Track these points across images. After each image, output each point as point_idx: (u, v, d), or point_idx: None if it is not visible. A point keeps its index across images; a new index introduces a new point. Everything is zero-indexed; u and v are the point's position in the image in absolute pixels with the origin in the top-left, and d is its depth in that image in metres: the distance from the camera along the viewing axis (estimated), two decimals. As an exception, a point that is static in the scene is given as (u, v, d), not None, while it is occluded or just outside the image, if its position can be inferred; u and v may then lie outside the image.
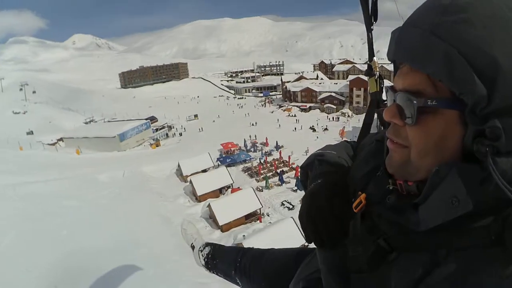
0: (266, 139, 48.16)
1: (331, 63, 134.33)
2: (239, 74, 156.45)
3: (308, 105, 78.28)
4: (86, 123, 73.36)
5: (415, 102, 0.56)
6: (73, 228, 15.64)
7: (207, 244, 2.00)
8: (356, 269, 0.71)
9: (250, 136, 51.53)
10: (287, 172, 35.76)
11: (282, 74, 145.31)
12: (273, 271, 1.45)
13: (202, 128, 61.95)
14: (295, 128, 58.95)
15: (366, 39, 1.45)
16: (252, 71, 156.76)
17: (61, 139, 54.51)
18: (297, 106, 78.91)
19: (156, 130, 62.60)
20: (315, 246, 1.00)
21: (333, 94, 75.83)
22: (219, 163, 38.86)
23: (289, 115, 73.80)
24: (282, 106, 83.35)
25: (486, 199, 0.51)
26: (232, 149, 44.01)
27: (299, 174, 1.06)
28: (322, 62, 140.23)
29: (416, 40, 0.55)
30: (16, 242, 9.84)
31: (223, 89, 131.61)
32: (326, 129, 57.81)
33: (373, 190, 0.75)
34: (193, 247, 2.13)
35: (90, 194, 24.10)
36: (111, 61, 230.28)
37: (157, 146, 52.73)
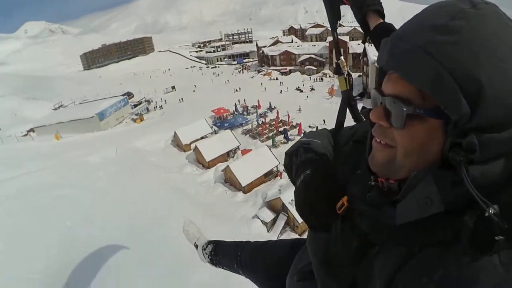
0: (258, 101, 47.25)
1: (300, 27, 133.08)
2: (207, 44, 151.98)
3: (288, 68, 76.76)
4: (56, 109, 68.33)
5: (405, 109, 0.60)
6: (77, 218, 14.12)
7: (210, 242, 2.09)
8: (341, 263, 0.79)
9: (239, 101, 50.35)
10: (289, 130, 35.24)
11: (251, 41, 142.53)
12: (271, 263, 1.50)
13: (182, 99, 59.21)
14: (281, 91, 58.33)
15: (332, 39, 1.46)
16: (220, 40, 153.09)
17: (31, 130, 48.74)
18: (277, 70, 77.24)
19: (135, 106, 59.03)
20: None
21: (313, 56, 74.57)
22: (217, 128, 37.25)
23: (270, 79, 72.21)
24: (261, 71, 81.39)
25: (456, 201, 0.58)
26: (225, 114, 42.45)
27: (284, 159, 1.10)
28: (291, 27, 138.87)
29: (409, 55, 0.59)
30: (12, 247, 8.22)
31: (193, 60, 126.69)
32: (312, 89, 57.29)
33: (354, 188, 0.80)
34: (196, 246, 2.19)
35: (83, 178, 21.72)
36: (68, 44, 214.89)
37: (141, 120, 49.67)
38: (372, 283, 0.71)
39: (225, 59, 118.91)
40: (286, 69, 76.71)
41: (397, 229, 0.66)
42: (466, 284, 0.55)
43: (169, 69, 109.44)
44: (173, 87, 72.55)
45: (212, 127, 37.16)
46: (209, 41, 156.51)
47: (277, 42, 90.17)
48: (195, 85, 71.89)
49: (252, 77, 77.81)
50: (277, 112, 41.17)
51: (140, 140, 34.93)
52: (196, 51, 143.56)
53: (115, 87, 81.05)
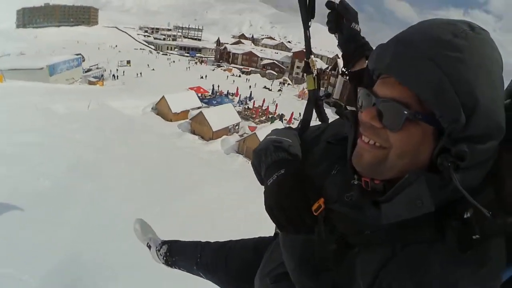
0: (237, 89, 48.54)
1: (252, 36, 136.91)
2: (155, 31, 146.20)
3: (250, 68, 77.36)
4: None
5: (405, 112, 0.62)
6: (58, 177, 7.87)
7: (164, 243, 1.98)
8: (320, 266, 0.79)
9: (213, 86, 49.65)
10: (276, 119, 35.84)
11: (199, 39, 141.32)
12: (235, 265, 1.47)
13: (141, 73, 55.97)
14: (250, 86, 59.14)
15: (304, 36, 1.44)
16: (169, 30, 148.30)
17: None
18: (238, 68, 77.21)
19: (87, 71, 53.46)
20: (272, 237, 1.19)
21: (276, 62, 76.59)
22: (204, 104, 35.54)
23: (232, 74, 71.98)
24: (221, 66, 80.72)
25: (440, 204, 0.62)
26: (205, 94, 40.95)
27: (252, 157, 1.07)
28: (242, 34, 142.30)
29: (417, 63, 0.60)
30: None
31: (141, 43, 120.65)
32: (280, 90, 58.95)
33: (330, 189, 0.81)
34: (149, 247, 2.07)
35: (54, 127, 13.97)
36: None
37: (102, 85, 45.19)
38: (354, 284, 0.72)
39: (175, 49, 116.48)
40: (248, 69, 77.44)
41: (380, 229, 0.69)
42: (450, 280, 0.60)
43: (116, 46, 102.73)
44: (128, 62, 68.86)
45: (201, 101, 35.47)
46: (157, 29, 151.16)
47: (239, 42, 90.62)
48: (148, 65, 68.46)
49: (213, 70, 76.99)
50: (263, 100, 42.20)
51: (112, 101, 28.12)
52: (144, 36, 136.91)
53: (57, 50, 72.41)
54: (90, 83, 46.11)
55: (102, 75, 53.50)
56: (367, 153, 0.70)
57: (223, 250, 1.58)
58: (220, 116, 27.82)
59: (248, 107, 40.57)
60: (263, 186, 0.92)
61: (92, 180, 8.50)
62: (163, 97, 31.06)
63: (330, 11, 1.38)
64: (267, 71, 75.84)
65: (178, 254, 1.86)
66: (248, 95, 47.00)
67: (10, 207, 5.68)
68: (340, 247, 0.74)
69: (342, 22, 1.37)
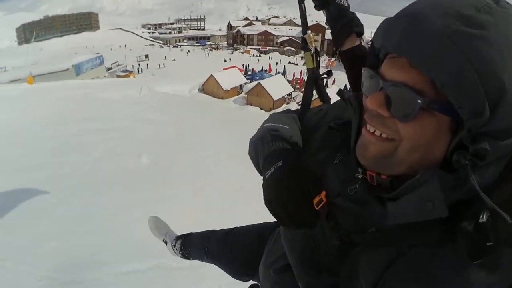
0: (269, 65, 48.48)
1: (257, 18, 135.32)
2: (158, 26, 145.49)
3: (267, 47, 76.24)
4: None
5: (419, 101, 0.53)
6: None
7: (178, 238, 2.01)
8: (322, 263, 0.75)
9: (243, 65, 49.51)
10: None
11: (203, 29, 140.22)
12: (239, 253, 1.47)
13: (164, 64, 55.71)
14: (277, 63, 58.60)
15: (299, 11, 1.40)
16: (172, 24, 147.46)
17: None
18: (254, 49, 76.17)
19: (108, 69, 52.88)
20: (276, 224, 1.18)
21: (293, 38, 75.23)
22: (248, 79, 35.06)
23: (252, 55, 70.96)
24: (237, 49, 79.57)
25: (451, 204, 0.55)
26: (241, 72, 40.56)
27: (249, 148, 1.00)
28: (246, 18, 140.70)
29: (431, 42, 0.50)
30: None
31: (148, 39, 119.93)
32: (305, 63, 58.03)
33: (332, 181, 0.75)
34: (165, 242, 2.11)
35: (120, 111, 12.75)
36: None
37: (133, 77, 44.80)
38: (356, 283, 0.68)
39: (184, 41, 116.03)
40: (265, 48, 76.43)
41: (385, 228, 0.63)
42: (456, 286, 0.56)
43: (125, 45, 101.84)
44: (146, 56, 68.71)
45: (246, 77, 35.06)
46: (160, 24, 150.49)
47: (250, 24, 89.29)
48: (165, 57, 68.12)
49: (232, 53, 76.47)
50: (293, 74, 41.76)
51: (157, 87, 26.82)
52: (149, 32, 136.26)
53: (69, 57, 71.21)
54: (122, 76, 45.71)
55: (126, 70, 53.06)
56: (373, 145, 0.62)
57: (227, 238, 1.59)
58: (276, 87, 27.49)
59: (288, 79, 39.74)
60: (262, 178, 0.85)
61: (194, 151, 8.22)
62: (211, 76, 30.73)
63: None
64: (286, 48, 74.74)
65: (190, 246, 1.89)
66: (282, 70, 46.87)
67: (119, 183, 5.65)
68: (343, 244, 0.70)
69: None
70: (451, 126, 0.54)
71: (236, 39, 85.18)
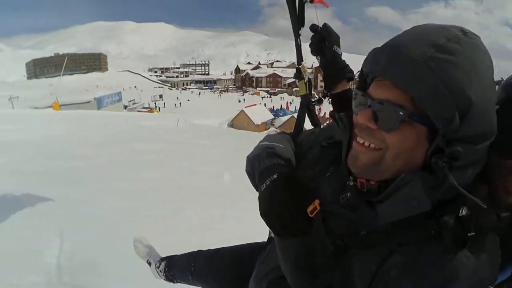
0: (287, 103, 50.31)
1: (259, 63, 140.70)
2: (166, 70, 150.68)
3: (276, 89, 79.28)
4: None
5: (401, 113, 0.62)
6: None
7: (162, 259, 1.97)
8: (317, 269, 0.77)
9: (260, 103, 50.96)
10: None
11: (208, 74, 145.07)
12: (229, 270, 1.45)
13: (180, 104, 57.92)
14: (289, 102, 61.01)
15: (294, 44, 1.53)
16: (177, 68, 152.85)
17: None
18: (264, 91, 79.15)
19: (125, 106, 54.81)
20: (266, 242, 1.19)
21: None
22: (273, 115, 36.88)
23: (263, 97, 73.66)
24: (247, 91, 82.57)
25: (433, 204, 0.63)
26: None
27: (246, 165, 1.05)
28: (249, 63, 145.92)
29: (411, 66, 0.60)
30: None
31: (157, 82, 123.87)
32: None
33: (326, 191, 0.81)
34: (149, 264, 2.06)
35: (168, 136, 12.76)
36: (3, 59, 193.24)
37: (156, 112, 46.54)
38: (352, 285, 0.72)
39: (191, 84, 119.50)
40: (274, 89, 79.28)
41: (376, 230, 0.69)
42: (448, 276, 0.61)
43: (135, 87, 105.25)
44: (160, 96, 71.35)
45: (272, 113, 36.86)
46: (166, 68, 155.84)
47: (257, 67, 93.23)
48: (177, 98, 70.57)
49: (243, 95, 79.47)
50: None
51: (188, 120, 27.97)
52: (156, 76, 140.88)
53: (80, 93, 69.69)
54: (145, 111, 47.34)
55: (144, 107, 54.96)
56: (363, 155, 0.70)
57: (215, 257, 1.57)
58: (306, 121, 28.84)
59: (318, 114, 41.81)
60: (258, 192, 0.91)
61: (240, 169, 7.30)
62: (241, 111, 32.73)
63: (313, 34, 1.40)
64: (294, 89, 77.61)
65: (174, 267, 1.85)
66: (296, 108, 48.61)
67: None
68: (337, 248, 0.74)
69: (324, 45, 1.38)
70: (428, 135, 0.63)
71: (244, 81, 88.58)
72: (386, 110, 0.64)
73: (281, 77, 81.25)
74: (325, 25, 1.38)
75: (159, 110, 54.36)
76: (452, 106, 0.58)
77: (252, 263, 1.15)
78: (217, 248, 1.61)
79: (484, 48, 0.65)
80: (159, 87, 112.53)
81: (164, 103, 60.36)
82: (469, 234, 0.60)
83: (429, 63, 0.59)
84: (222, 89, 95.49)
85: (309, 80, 1.46)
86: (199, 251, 1.70)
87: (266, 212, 0.83)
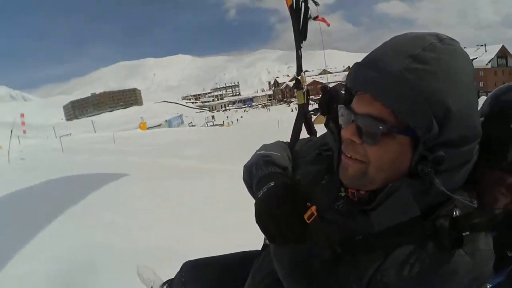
0: None
1: (294, 75, 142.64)
2: (198, 96, 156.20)
3: (318, 96, 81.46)
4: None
5: (381, 127, 0.63)
6: None
7: (163, 284, 1.91)
8: (313, 274, 0.78)
9: None
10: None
11: (239, 94, 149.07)
12: (221, 278, 1.37)
13: (237, 120, 60.79)
14: None
15: (295, 56, 1.58)
16: (209, 93, 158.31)
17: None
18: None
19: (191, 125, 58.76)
20: (260, 250, 1.20)
21: (340, 82, 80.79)
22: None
23: (311, 104, 76.09)
24: (290, 102, 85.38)
25: (423, 207, 0.65)
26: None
27: (243, 173, 1.03)
28: (275, 80, 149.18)
29: (386, 79, 0.61)
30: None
31: (195, 108, 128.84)
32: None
33: (322, 198, 0.81)
34: None
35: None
36: (35, 107, 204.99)
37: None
38: None
39: (229, 105, 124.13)
40: (317, 96, 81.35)
41: (371, 235, 0.70)
42: (445, 276, 0.62)
43: (178, 113, 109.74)
44: (213, 117, 74.75)
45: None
46: (198, 95, 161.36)
47: (294, 78, 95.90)
48: (227, 117, 74.07)
49: (289, 105, 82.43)
50: None
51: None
52: (192, 102, 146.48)
53: (130, 124, 71.55)
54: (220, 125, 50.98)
55: (215, 124, 58.64)
56: (351, 167, 0.70)
57: (207, 265, 1.47)
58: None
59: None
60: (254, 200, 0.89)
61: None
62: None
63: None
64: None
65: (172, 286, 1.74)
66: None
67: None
68: (333, 254, 0.73)
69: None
70: (412, 144, 0.64)
71: (284, 93, 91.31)
72: (367, 124, 0.65)
73: (321, 83, 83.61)
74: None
75: (229, 124, 57.77)
76: (429, 115, 0.59)
77: (246, 270, 1.15)
78: (210, 257, 1.52)
79: (463, 52, 0.65)
80: (200, 111, 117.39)
81: (223, 121, 63.51)
82: (464, 234, 0.62)
83: (405, 75, 0.60)
84: (263, 104, 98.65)
85: (307, 90, 1.50)
86: (190, 260, 1.58)
87: (262, 218, 0.82)
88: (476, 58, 59.80)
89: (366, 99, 0.66)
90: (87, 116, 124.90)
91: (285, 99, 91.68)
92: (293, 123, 1.46)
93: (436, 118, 0.59)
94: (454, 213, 0.64)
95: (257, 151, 1.06)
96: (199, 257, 1.52)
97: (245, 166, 1.03)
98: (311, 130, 1.56)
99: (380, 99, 0.63)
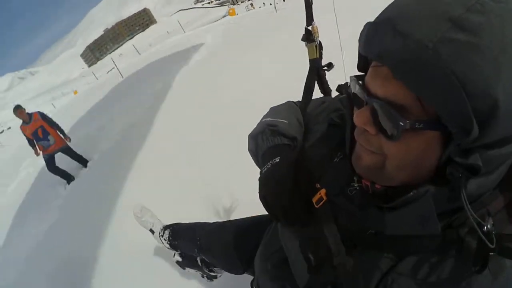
0: None
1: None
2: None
3: None
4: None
5: (401, 123, 0.49)
6: None
7: (166, 227, 1.94)
8: (322, 262, 0.70)
9: None
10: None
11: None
12: (234, 245, 1.35)
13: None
14: None
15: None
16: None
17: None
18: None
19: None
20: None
21: None
22: None
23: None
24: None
25: (449, 216, 0.55)
26: None
27: (248, 143, 0.97)
28: None
29: (413, 54, 0.45)
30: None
31: (216, 6, 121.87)
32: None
33: (332, 179, 0.72)
34: (152, 232, 2.05)
35: None
36: (47, 74, 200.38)
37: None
38: (356, 282, 0.65)
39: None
40: None
41: (385, 233, 0.61)
42: None
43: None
44: (251, 4, 70.15)
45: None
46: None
47: None
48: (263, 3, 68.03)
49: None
50: None
51: None
52: (208, 3, 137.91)
53: (166, 36, 70.23)
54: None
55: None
56: (366, 156, 0.60)
57: (221, 230, 1.49)
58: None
59: None
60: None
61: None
62: None
63: None
64: None
65: (179, 238, 1.82)
66: None
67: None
68: (342, 243, 0.67)
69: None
70: (441, 139, 0.50)
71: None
72: (384, 113, 0.52)
73: None
74: None
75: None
76: (468, 112, 0.44)
77: (258, 236, 1.09)
78: (222, 222, 1.58)
79: None
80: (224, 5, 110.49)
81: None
82: (491, 254, 0.50)
83: (440, 48, 0.43)
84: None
85: (319, 43, 1.35)
86: (204, 224, 1.66)
87: (266, 197, 0.77)
88: None
89: (383, 75, 0.51)
90: (110, 53, 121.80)
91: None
92: (304, 81, 1.31)
93: (477, 116, 0.45)
94: (485, 227, 0.50)
95: (263, 117, 0.97)
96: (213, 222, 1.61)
97: (250, 135, 0.95)
98: (325, 89, 1.44)
99: (401, 79, 0.47)
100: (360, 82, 0.56)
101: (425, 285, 0.55)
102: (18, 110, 5.01)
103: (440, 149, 0.51)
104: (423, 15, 0.45)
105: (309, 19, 1.37)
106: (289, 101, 1.07)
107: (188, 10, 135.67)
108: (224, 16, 34.31)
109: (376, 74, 0.52)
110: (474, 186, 0.51)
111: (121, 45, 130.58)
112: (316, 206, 0.70)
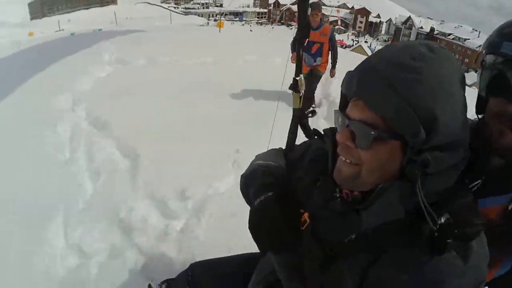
0: (342, 40, 61.58)
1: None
2: (181, 1, 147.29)
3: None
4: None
5: (372, 132, 0.66)
6: None
7: (163, 282, 1.73)
8: (310, 275, 0.81)
9: None
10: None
11: (221, 5, 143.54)
12: (226, 279, 1.40)
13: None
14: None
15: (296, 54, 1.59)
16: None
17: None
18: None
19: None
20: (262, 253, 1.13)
21: (342, 19, 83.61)
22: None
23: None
24: (291, 25, 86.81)
25: (414, 209, 0.68)
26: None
27: (240, 182, 1.09)
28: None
29: (376, 89, 0.65)
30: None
31: (180, 13, 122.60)
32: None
33: (317, 198, 0.86)
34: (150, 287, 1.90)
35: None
36: None
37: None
38: (343, 286, 0.75)
39: (217, 15, 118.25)
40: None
41: (363, 236, 0.74)
42: (434, 278, 0.65)
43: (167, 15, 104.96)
44: (207, 23, 74.23)
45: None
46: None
47: (295, 2, 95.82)
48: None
49: (291, 29, 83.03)
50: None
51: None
52: (174, 7, 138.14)
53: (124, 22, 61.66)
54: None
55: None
56: (345, 169, 0.74)
57: (213, 266, 1.49)
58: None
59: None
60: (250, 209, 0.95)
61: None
62: (359, 45, 39.51)
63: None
64: (336, 27, 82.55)
65: (173, 285, 1.64)
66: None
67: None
68: (327, 256, 0.78)
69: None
70: (401, 147, 0.67)
71: (282, 16, 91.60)
72: (360, 129, 0.69)
73: (324, 15, 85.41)
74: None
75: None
76: (417, 122, 0.62)
77: (252, 269, 1.22)
78: (215, 258, 1.54)
79: (452, 60, 0.69)
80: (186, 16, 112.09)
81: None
82: (448, 241, 0.64)
83: (394, 83, 0.64)
84: (261, 22, 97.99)
85: (304, 95, 1.48)
86: (197, 261, 1.59)
87: (255, 226, 0.89)
88: None
89: (359, 106, 0.70)
90: (58, 14, 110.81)
91: (282, 22, 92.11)
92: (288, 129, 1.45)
93: (423, 125, 0.63)
94: (440, 219, 0.66)
95: (253, 160, 1.15)
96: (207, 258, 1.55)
97: (243, 176, 1.10)
98: (309, 134, 1.62)
99: (371, 107, 0.67)
100: (342, 113, 0.74)
101: (399, 279, 0.67)
102: None
103: (401, 154, 0.68)
104: (382, 64, 0.67)
105: (298, 71, 1.51)
106: (273, 148, 1.25)
107: (153, 5, 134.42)
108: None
109: (355, 106, 0.71)
110: (433, 182, 0.67)
111: (74, 11, 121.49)
112: (302, 228, 0.84)
